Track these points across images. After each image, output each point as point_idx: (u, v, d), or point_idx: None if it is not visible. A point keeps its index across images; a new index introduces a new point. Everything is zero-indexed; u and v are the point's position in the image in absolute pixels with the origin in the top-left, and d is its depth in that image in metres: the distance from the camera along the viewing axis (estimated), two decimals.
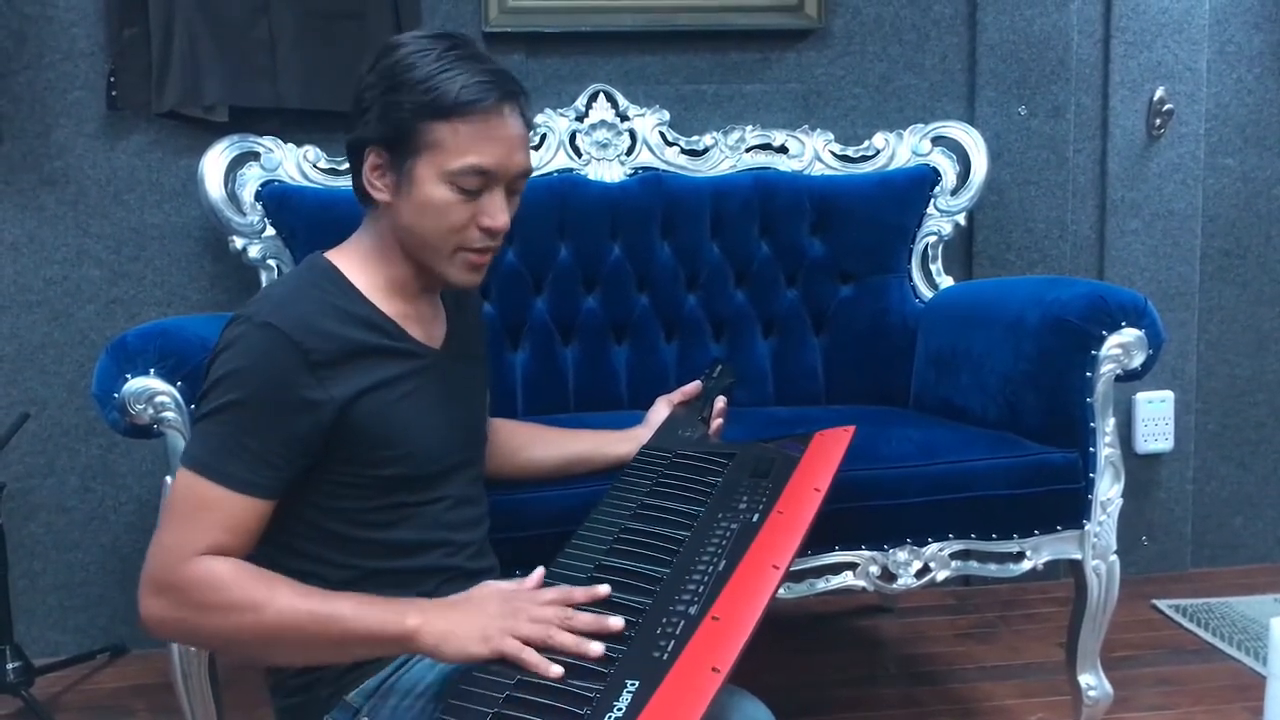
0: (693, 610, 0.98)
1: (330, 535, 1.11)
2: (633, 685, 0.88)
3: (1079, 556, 1.69)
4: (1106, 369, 1.66)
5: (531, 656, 0.92)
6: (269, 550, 1.10)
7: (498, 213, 1.12)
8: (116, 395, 1.43)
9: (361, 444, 1.09)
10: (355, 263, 1.16)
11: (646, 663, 0.90)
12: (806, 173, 2.18)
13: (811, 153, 2.20)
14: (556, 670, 0.90)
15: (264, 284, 1.97)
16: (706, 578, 1.03)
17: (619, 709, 0.85)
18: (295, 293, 1.12)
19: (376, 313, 1.14)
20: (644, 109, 2.16)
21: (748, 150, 2.18)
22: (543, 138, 2.12)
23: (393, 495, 1.12)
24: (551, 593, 0.99)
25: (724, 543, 1.10)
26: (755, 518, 1.15)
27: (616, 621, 0.95)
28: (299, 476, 1.07)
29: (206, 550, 1.01)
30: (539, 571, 1.04)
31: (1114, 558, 1.71)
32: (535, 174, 2.07)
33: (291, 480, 1.07)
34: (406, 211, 1.12)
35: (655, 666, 0.90)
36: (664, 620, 0.96)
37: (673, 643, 0.93)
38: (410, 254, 1.15)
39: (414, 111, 1.08)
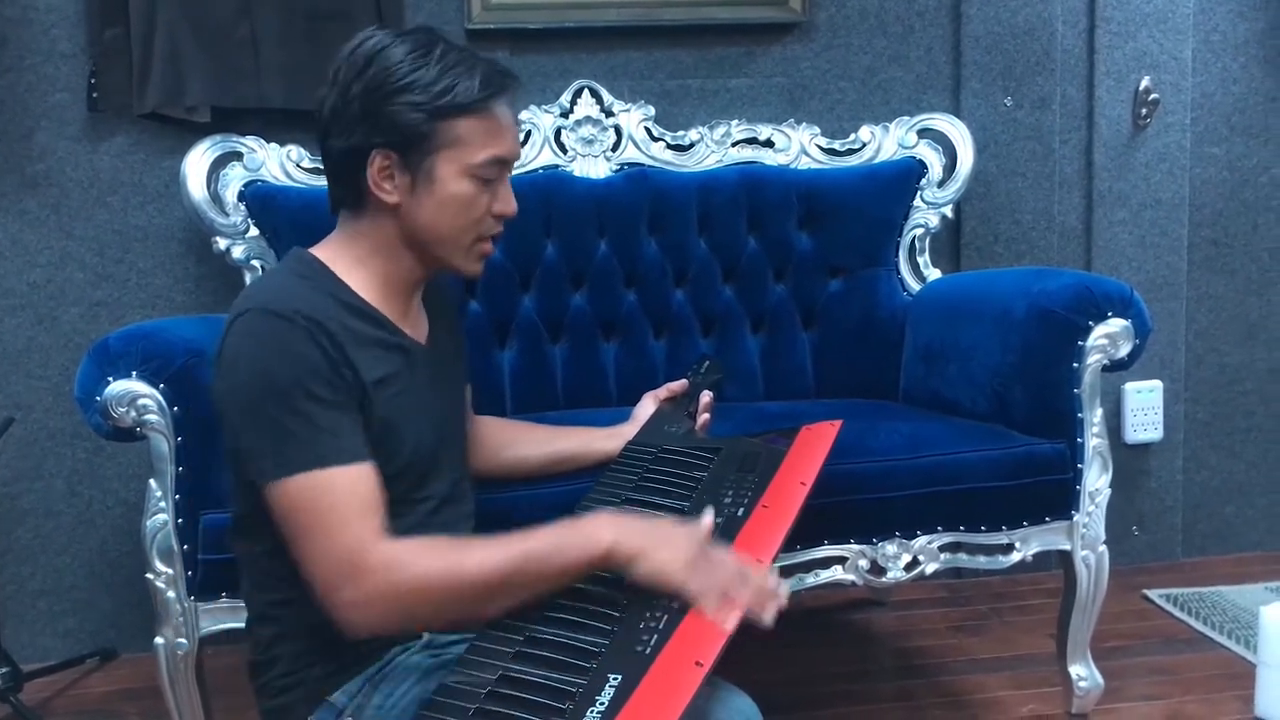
0: (675, 604, 0.97)
1: None
2: (615, 679, 0.88)
3: (1068, 547, 1.69)
4: (1093, 359, 1.67)
5: (712, 609, 0.95)
6: (254, 552, 1.10)
7: (510, 199, 1.18)
8: (99, 398, 1.43)
9: (367, 436, 1.08)
10: (344, 262, 1.15)
11: (629, 657, 0.90)
12: (793, 167, 2.18)
13: (798, 146, 2.19)
14: (731, 625, 0.94)
15: (243, 292, 1.96)
16: None
17: (601, 703, 0.85)
18: (291, 284, 1.11)
19: (368, 306, 1.13)
20: (629, 104, 2.16)
21: (734, 145, 2.18)
22: (528, 134, 2.11)
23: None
24: (730, 558, 1.02)
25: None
26: (740, 512, 1.15)
27: (769, 617, 0.98)
28: None
29: (377, 533, 1.00)
30: (708, 518, 1.07)
31: (1103, 548, 1.71)
32: (520, 171, 2.08)
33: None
34: (426, 209, 1.12)
35: (638, 660, 0.90)
36: (647, 614, 0.96)
37: (655, 637, 0.93)
38: (422, 250, 1.15)
39: (432, 112, 1.09)
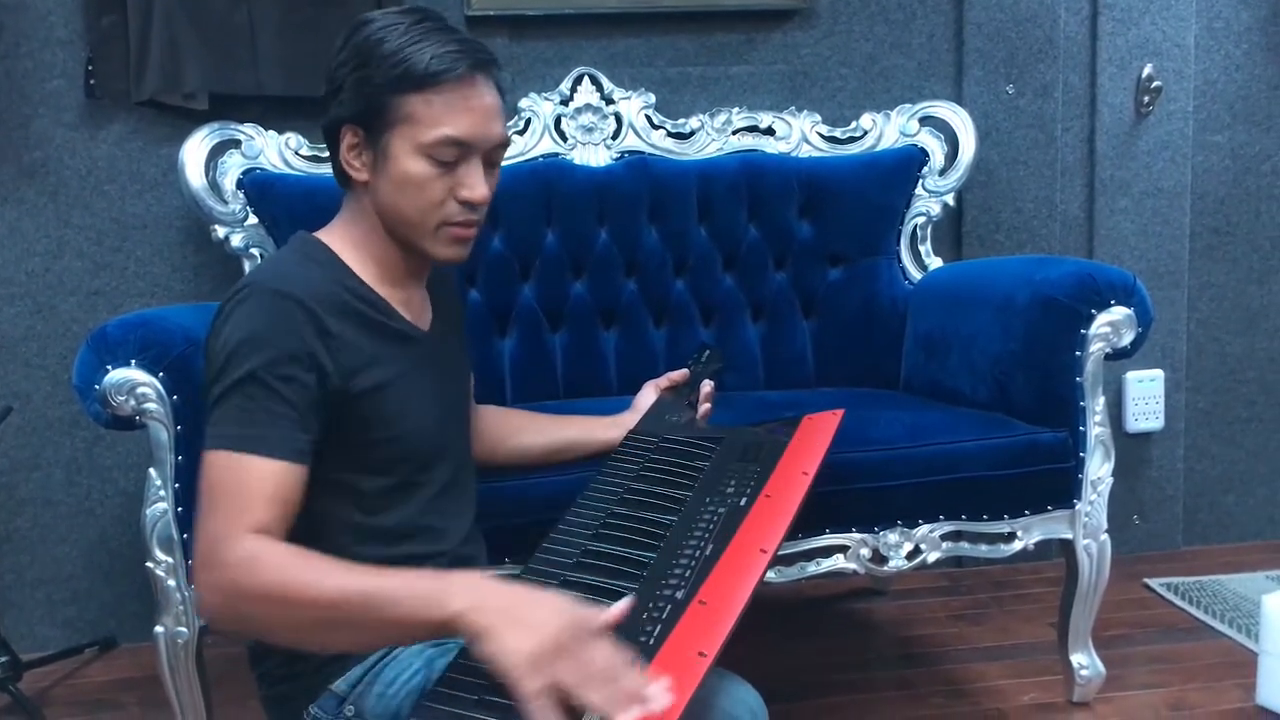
0: (679, 594, 0.97)
1: (313, 518, 1.08)
2: None
3: (1070, 536, 1.69)
4: (1096, 348, 1.66)
5: (544, 717, 0.80)
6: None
7: (476, 184, 1.11)
8: (97, 387, 1.42)
9: (357, 422, 1.07)
10: (343, 245, 1.15)
11: (633, 647, 0.89)
12: (794, 154, 2.17)
13: (799, 134, 2.18)
14: None
15: (247, 273, 1.96)
16: (694, 562, 1.03)
17: None
18: (294, 266, 1.11)
19: (371, 292, 1.13)
20: (629, 92, 2.14)
21: (734, 132, 2.17)
22: (527, 122, 2.10)
23: (380, 478, 1.11)
24: (608, 650, 0.84)
25: (711, 527, 1.09)
26: (743, 502, 1.15)
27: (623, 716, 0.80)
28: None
29: (252, 529, 0.95)
30: (624, 604, 0.90)
31: (1105, 537, 1.71)
32: (520, 159, 2.08)
33: (317, 445, 1.03)
34: (385, 189, 1.11)
35: (641, 651, 0.89)
36: (650, 605, 0.96)
37: (659, 627, 0.92)
38: (393, 233, 1.14)
39: (385, 85, 1.08)
